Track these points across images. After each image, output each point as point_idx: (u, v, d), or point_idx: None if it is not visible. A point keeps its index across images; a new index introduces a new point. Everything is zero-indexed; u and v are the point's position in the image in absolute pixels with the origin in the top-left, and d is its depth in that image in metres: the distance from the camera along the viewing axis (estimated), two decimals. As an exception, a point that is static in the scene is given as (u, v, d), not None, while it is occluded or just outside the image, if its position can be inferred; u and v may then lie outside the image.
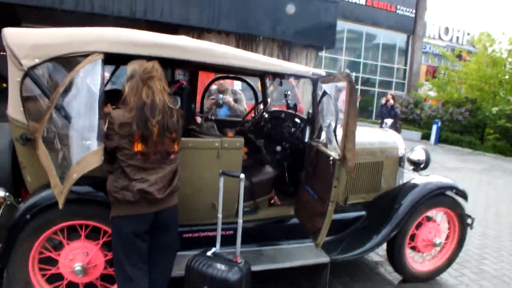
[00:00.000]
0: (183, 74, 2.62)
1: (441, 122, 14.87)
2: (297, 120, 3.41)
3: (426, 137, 15.29)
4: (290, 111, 3.61)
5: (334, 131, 2.52)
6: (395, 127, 8.17)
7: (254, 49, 13.97)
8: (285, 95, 3.59)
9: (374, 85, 24.37)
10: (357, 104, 2.33)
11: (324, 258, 2.83)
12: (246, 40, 13.78)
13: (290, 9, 13.02)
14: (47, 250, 2.39)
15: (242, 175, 2.19)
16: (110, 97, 2.55)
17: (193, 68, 3.94)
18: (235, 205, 2.76)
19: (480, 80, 15.32)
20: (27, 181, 2.48)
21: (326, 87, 2.63)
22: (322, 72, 2.74)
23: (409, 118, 17.08)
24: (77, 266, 2.35)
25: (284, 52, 14.39)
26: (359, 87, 23.02)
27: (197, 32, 12.95)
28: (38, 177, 2.40)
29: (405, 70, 24.17)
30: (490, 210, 6.13)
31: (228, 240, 2.57)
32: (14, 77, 2.23)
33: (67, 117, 2.20)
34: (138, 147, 2.00)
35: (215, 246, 2.41)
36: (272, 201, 3.16)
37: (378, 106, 15.66)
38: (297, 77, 2.99)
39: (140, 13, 11.82)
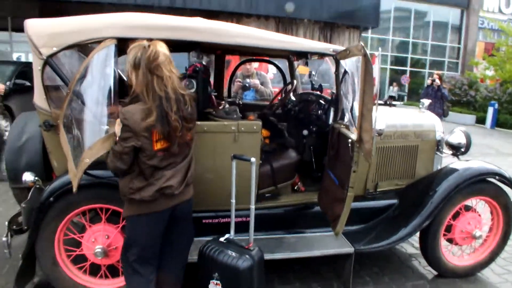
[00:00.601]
0: (197, 56, 2.56)
1: (498, 104, 13.73)
2: (322, 101, 3.26)
3: (481, 121, 14.23)
4: (316, 92, 3.45)
5: (351, 110, 2.36)
6: (442, 109, 7.66)
7: (294, 32, 13.70)
8: (310, 75, 3.44)
9: (424, 66, 23.00)
10: (375, 80, 2.12)
11: (348, 249, 2.71)
12: (285, 24, 13.55)
13: (290, 7, 12.54)
14: (72, 233, 2.49)
15: (253, 159, 2.11)
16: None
17: (220, 51, 3.90)
18: (255, 190, 2.71)
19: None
20: (54, 166, 2.59)
21: (344, 63, 2.45)
22: (343, 48, 2.56)
23: (463, 101, 15.97)
24: (98, 248, 2.42)
25: (325, 34, 14.00)
26: (408, 68, 21.87)
27: (236, 17, 12.93)
28: (63, 162, 2.47)
29: (459, 48, 22.52)
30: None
31: (246, 228, 2.52)
32: (36, 66, 2.32)
33: (83, 103, 2.24)
34: (159, 145, 1.86)
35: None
36: (295, 187, 3.06)
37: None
38: (317, 54, 2.83)
39: (180, 2, 12.02)
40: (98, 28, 2.27)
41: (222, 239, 2.22)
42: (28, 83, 7.24)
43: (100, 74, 2.21)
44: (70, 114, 2.28)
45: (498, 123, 13.65)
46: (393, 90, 18.21)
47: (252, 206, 2.25)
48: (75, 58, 2.61)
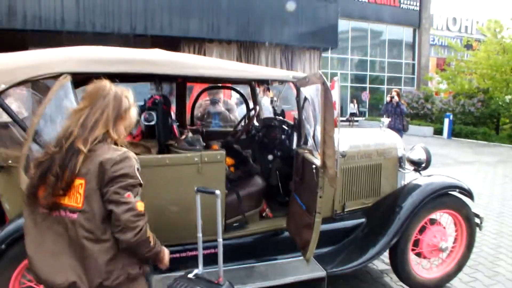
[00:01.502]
0: (156, 88, 2.51)
1: (453, 115, 14.49)
2: (285, 127, 3.28)
3: (439, 132, 14.92)
4: (279, 117, 3.48)
5: (313, 137, 2.38)
6: (401, 124, 7.94)
7: (256, 56, 13.93)
8: (271, 101, 3.47)
9: (383, 82, 24.02)
10: (337, 105, 2.17)
11: (320, 272, 2.68)
12: (247, 47, 13.76)
13: (291, 6, 12.88)
14: (29, 281, 2.31)
15: (218, 192, 2.06)
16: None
17: (181, 79, 3.87)
18: (222, 221, 2.64)
19: (491, 69, 14.89)
20: (6, 209, 2.41)
21: (304, 90, 2.49)
22: (303, 74, 2.60)
23: (420, 114, 16.72)
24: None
25: (286, 56, 14.31)
26: (367, 85, 22.73)
27: (199, 43, 13.01)
28: (16, 204, 2.34)
29: (413, 64, 23.76)
30: (507, 204, 5.83)
31: (214, 260, 2.44)
32: None
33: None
34: None
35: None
36: (263, 214, 3.02)
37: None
38: (277, 81, 2.86)
39: (140, 29, 11.96)
40: (51, 63, 2.18)
41: (190, 275, 2.12)
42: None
43: (63, 113, 2.12)
44: (31, 156, 2.16)
45: (454, 133, 14.37)
46: (354, 108, 18.86)
47: (220, 239, 2.19)
48: (24, 94, 2.50)
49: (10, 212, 2.38)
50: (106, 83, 1.61)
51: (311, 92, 2.36)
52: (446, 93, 17.61)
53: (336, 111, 2.59)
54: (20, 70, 2.19)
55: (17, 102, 2.40)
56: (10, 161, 2.24)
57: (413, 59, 23.71)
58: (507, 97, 13.80)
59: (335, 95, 2.57)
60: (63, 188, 1.45)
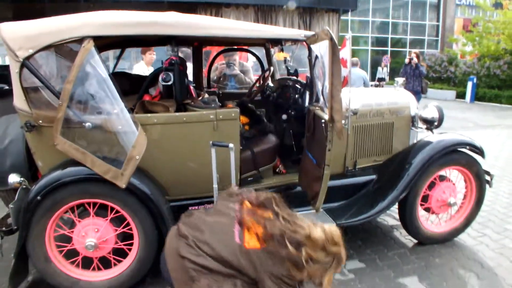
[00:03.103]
0: (172, 49, 2.62)
1: (477, 78, 14.02)
2: (298, 86, 3.35)
3: (461, 95, 14.54)
4: (292, 77, 3.54)
5: (323, 93, 2.45)
6: (420, 86, 7.82)
7: (274, 20, 13.65)
8: (285, 61, 3.52)
9: (405, 45, 23.23)
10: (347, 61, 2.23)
11: (330, 223, 2.83)
12: (265, 11, 13.49)
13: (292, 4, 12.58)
14: (61, 229, 2.56)
15: (231, 145, 2.20)
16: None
17: (197, 43, 3.95)
18: (238, 175, 2.81)
19: (520, 29, 14.19)
20: (39, 166, 2.64)
21: (316, 48, 2.55)
22: (313, 32, 2.65)
23: (443, 77, 16.25)
24: (89, 242, 2.50)
25: (305, 19, 13.96)
26: (388, 48, 22.06)
27: (215, 8, 12.82)
28: (48, 161, 2.56)
29: (437, 26, 22.79)
30: (524, 166, 5.79)
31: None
32: (13, 69, 2.36)
33: (89, 111, 2.37)
34: None
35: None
36: (277, 170, 3.17)
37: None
38: (289, 40, 2.91)
39: (157, -4, 11.83)
40: (73, 28, 2.31)
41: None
42: (6, 87, 7.15)
43: (95, 80, 2.30)
44: (73, 123, 2.37)
45: (477, 97, 13.97)
46: (382, 72, 18.42)
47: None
48: (52, 59, 2.64)
49: (43, 168, 2.60)
50: None
51: (321, 49, 2.42)
52: (471, 56, 16.96)
53: (347, 69, 2.66)
54: (45, 36, 2.33)
55: (44, 66, 2.54)
56: (40, 121, 2.43)
57: (438, 21, 22.71)
58: (535, 58, 13.21)
59: (346, 53, 2.63)
60: None
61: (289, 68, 3.61)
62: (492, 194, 4.49)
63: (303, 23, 13.98)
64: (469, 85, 13.91)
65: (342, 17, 15.67)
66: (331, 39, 2.11)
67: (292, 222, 1.63)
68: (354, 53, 20.17)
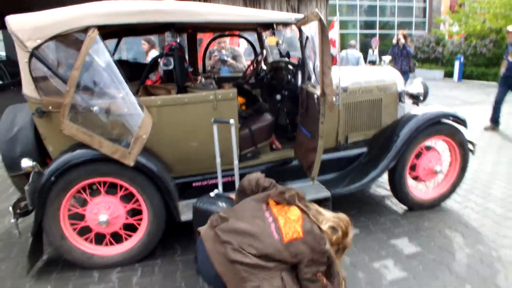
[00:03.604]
0: (172, 35, 2.76)
1: (464, 58, 14.26)
2: (290, 67, 3.52)
3: (449, 75, 14.79)
4: (285, 59, 3.71)
5: (314, 70, 2.63)
6: (408, 66, 8.02)
7: (262, 6, 13.70)
8: (277, 44, 3.69)
9: (393, 27, 23.37)
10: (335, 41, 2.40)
11: (325, 193, 3.04)
12: (253, -1, 13.51)
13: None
14: (74, 207, 2.73)
15: (232, 120, 2.37)
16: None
17: (191, 30, 4.09)
18: (237, 151, 2.99)
19: (505, 7, 14.39)
20: (50, 151, 2.79)
21: (304, 29, 2.71)
22: (302, 15, 2.81)
23: (431, 58, 16.48)
24: (101, 218, 2.68)
25: (293, 5, 14.04)
26: (377, 31, 22.20)
27: (204, -5, 12.83)
28: (58, 145, 2.71)
29: (424, 8, 22.96)
30: (508, 138, 6.06)
31: (232, 186, 2.80)
32: (22, 59, 2.49)
33: (96, 96, 2.52)
34: None
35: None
36: (273, 146, 3.35)
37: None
38: (281, 23, 3.07)
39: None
40: (78, 18, 2.45)
41: (212, 194, 2.49)
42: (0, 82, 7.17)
43: (102, 67, 2.45)
44: (81, 107, 2.52)
45: (464, 76, 14.24)
46: (373, 54, 18.51)
47: (236, 162, 2.53)
48: (59, 48, 2.76)
49: (54, 152, 2.75)
50: None
51: (311, 31, 2.58)
52: (458, 36, 17.18)
53: (336, 49, 2.83)
54: (51, 27, 2.47)
55: (52, 55, 2.67)
56: (50, 107, 2.57)
57: (424, 2, 22.88)
58: (519, 35, 13.43)
59: (335, 34, 2.80)
60: None
61: (281, 50, 3.77)
62: (477, 164, 4.74)
63: (291, 8, 14.05)
64: (457, 64, 14.15)
65: (330, 2, 15.74)
66: (320, 20, 2.28)
67: (318, 213, 1.97)
68: (343, 37, 20.28)
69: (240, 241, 1.79)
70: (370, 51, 18.57)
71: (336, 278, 1.95)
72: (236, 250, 1.76)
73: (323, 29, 2.27)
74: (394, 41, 7.97)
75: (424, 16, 23.17)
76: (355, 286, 2.52)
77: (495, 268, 2.68)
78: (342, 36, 20.79)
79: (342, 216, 2.05)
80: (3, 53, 11.67)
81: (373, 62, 17.87)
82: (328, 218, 1.99)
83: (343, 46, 15.94)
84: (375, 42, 18.17)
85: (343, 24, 21.31)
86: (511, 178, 4.30)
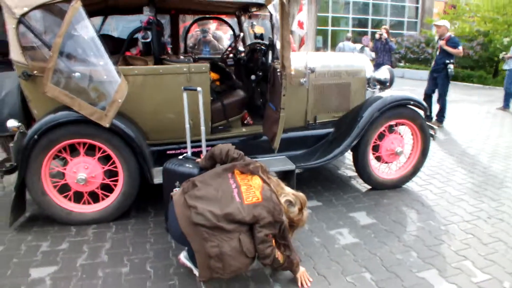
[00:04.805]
0: (150, 10, 2.96)
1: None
2: (263, 48, 3.75)
3: (436, 75, 15.10)
4: (260, 41, 3.94)
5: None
6: (390, 61, 8.29)
7: None
8: (251, 25, 3.90)
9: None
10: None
11: (290, 166, 3.28)
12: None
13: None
14: (56, 166, 2.94)
15: (199, 88, 2.60)
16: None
17: (174, 11, 4.29)
18: (209, 124, 3.22)
19: (493, 11, 14.74)
20: (34, 113, 2.99)
21: (270, 8, 2.93)
22: (272, -2, 3.03)
23: (420, 58, 16.77)
24: (80, 176, 2.90)
25: None
26: (369, 29, 22.47)
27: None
28: (42, 108, 2.91)
29: (417, 8, 23.27)
30: (480, 133, 6.31)
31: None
32: (10, 25, 2.68)
33: (78, 62, 2.72)
34: None
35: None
36: (245, 121, 3.59)
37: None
38: (252, 4, 3.28)
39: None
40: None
41: (180, 157, 2.71)
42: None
43: (83, 35, 2.65)
44: (63, 73, 2.72)
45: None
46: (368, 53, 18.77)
47: (203, 127, 2.76)
48: (45, 17, 2.95)
49: (38, 115, 2.95)
50: None
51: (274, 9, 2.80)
52: (447, 37, 17.47)
53: (304, 31, 3.06)
54: (38, -4, 2.66)
55: (38, 24, 2.86)
56: (35, 72, 2.77)
57: (417, 2, 23.18)
58: (506, 39, 13.79)
59: (303, 16, 3.03)
60: None
61: (255, 33, 3.99)
62: (443, 153, 5.02)
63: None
64: (443, 65, 14.46)
65: (324, -2, 15.93)
66: (280, -1, 2.50)
67: (279, 187, 2.24)
68: (335, 34, 20.51)
69: (204, 206, 2.02)
70: (366, 49, 18.72)
71: (287, 250, 2.18)
72: (199, 214, 1.99)
73: (283, 7, 2.49)
74: (377, 36, 8.22)
75: (416, 16, 23.48)
76: (310, 248, 2.76)
77: (441, 239, 2.93)
78: (335, 33, 21.03)
79: (301, 194, 2.30)
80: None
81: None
82: (287, 193, 2.25)
83: (336, 42, 16.08)
84: (366, 40, 18.41)
85: (335, 21, 21.50)
86: (474, 167, 4.55)
